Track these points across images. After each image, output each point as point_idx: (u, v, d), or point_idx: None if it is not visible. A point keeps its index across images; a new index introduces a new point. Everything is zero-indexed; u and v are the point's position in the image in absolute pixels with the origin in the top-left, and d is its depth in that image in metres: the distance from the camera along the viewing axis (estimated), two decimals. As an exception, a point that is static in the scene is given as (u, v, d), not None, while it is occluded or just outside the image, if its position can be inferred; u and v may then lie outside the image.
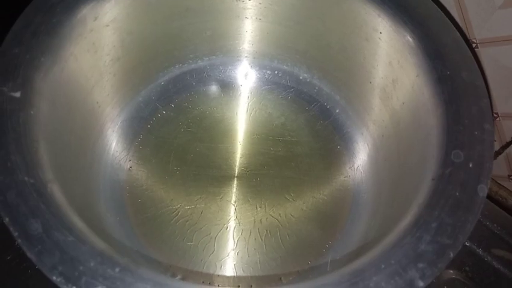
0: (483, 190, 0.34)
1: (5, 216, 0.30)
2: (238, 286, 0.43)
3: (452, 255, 0.31)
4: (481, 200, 0.33)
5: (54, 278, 0.28)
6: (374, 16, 0.45)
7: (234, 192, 0.52)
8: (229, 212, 0.50)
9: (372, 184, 0.51)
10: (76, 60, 0.42)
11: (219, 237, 0.48)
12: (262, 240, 0.49)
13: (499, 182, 0.65)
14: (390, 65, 0.46)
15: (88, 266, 0.29)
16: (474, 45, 0.53)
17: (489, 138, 0.36)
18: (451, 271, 0.47)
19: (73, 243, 0.30)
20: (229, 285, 0.31)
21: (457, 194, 0.33)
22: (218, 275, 0.45)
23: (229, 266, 0.47)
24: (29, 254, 0.29)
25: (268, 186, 0.52)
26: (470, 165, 0.35)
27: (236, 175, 0.53)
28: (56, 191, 0.32)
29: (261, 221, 0.50)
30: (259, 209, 0.50)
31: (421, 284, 0.30)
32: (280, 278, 0.45)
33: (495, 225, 0.50)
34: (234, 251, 0.47)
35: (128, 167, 0.52)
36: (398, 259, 0.31)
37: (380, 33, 0.46)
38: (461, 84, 0.39)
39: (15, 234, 0.30)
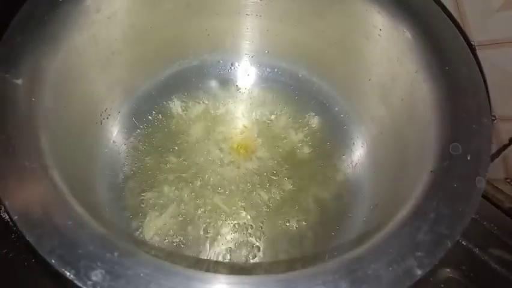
0: (481, 182, 0.34)
1: (6, 200, 0.30)
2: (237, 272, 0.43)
3: (449, 244, 0.31)
4: (478, 191, 0.33)
5: (52, 261, 0.28)
6: (373, 13, 0.46)
7: (231, 188, 0.51)
8: (229, 206, 0.50)
9: (371, 179, 0.51)
10: (78, 51, 0.43)
11: (218, 229, 0.48)
12: (262, 233, 0.49)
13: (495, 184, 0.65)
14: (389, 61, 0.46)
15: (87, 250, 0.29)
16: (472, 47, 0.53)
17: (487, 131, 0.36)
18: (448, 270, 0.47)
19: (72, 227, 0.30)
20: (228, 272, 0.32)
21: (455, 185, 0.34)
22: (216, 265, 0.45)
23: (229, 256, 0.47)
24: (28, 237, 0.29)
25: (267, 181, 0.52)
26: (468, 158, 0.35)
27: (235, 172, 0.53)
28: (56, 176, 0.33)
29: (257, 213, 0.50)
30: (257, 202, 0.51)
31: (419, 272, 0.30)
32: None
33: (492, 225, 0.50)
34: (233, 243, 0.48)
35: (126, 159, 0.52)
36: (397, 248, 0.31)
37: (380, 30, 0.46)
38: (459, 79, 0.40)
39: (15, 217, 0.30)
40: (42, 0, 0.40)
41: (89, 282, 0.28)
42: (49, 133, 0.36)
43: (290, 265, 0.46)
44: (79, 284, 0.28)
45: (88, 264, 0.28)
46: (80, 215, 0.31)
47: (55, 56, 0.39)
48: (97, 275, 0.28)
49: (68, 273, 0.28)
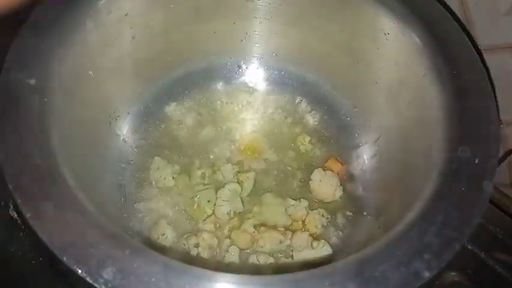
0: (489, 185, 0.34)
1: (18, 198, 0.31)
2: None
3: (458, 247, 0.31)
4: (486, 194, 0.34)
5: (64, 258, 0.29)
6: (381, 17, 0.46)
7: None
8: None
9: (378, 183, 0.51)
10: (89, 53, 0.43)
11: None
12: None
13: (501, 189, 0.65)
14: (396, 65, 0.47)
15: (98, 248, 0.29)
16: (479, 51, 0.53)
17: (495, 135, 0.37)
18: (454, 273, 0.47)
19: (83, 225, 0.30)
20: (236, 272, 0.32)
21: (463, 188, 0.34)
22: (224, 264, 0.45)
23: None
24: (40, 235, 0.29)
25: (274, 182, 0.53)
26: (476, 161, 0.35)
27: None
28: (67, 174, 0.33)
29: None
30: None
31: (427, 274, 0.30)
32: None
33: (498, 229, 0.50)
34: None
35: (134, 158, 0.52)
36: (404, 250, 0.31)
37: (388, 34, 0.46)
38: (467, 83, 0.40)
39: (28, 215, 0.30)
40: (55, 2, 0.41)
41: (101, 280, 0.28)
42: (61, 132, 0.36)
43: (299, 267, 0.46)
44: (90, 282, 0.28)
45: (99, 262, 0.29)
46: (91, 213, 0.31)
47: (67, 57, 0.40)
48: (108, 273, 0.28)
49: (79, 271, 0.28)
